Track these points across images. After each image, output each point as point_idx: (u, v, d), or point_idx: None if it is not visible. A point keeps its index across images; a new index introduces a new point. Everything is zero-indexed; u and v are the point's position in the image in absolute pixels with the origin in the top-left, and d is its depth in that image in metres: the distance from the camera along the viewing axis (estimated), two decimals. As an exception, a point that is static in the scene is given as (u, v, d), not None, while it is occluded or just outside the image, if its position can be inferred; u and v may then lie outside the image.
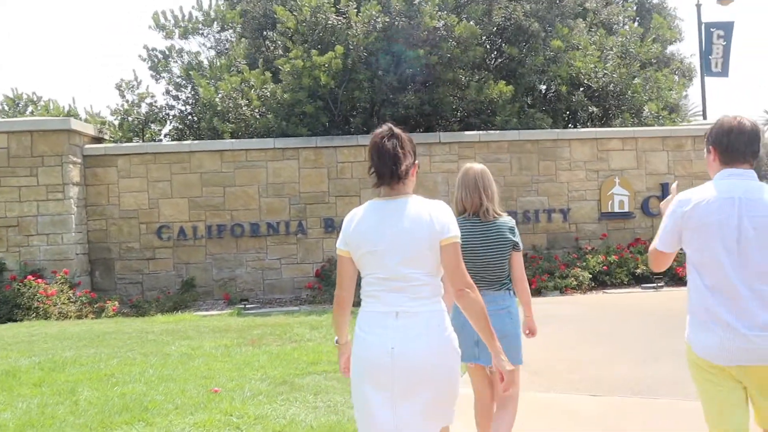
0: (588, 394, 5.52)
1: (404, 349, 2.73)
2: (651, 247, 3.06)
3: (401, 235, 2.81)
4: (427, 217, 2.82)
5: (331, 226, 11.73)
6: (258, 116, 12.24)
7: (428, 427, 2.79)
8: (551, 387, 5.76)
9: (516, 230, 3.89)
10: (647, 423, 4.92)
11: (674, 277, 11.01)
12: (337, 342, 3.16)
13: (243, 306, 10.87)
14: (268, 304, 11.24)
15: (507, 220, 3.89)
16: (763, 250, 2.72)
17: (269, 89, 12.15)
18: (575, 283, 10.73)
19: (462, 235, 2.93)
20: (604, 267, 11.03)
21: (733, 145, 2.84)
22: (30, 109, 15.44)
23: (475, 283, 2.87)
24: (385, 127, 2.96)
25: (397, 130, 2.93)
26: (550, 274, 10.94)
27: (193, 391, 5.85)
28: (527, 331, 4.02)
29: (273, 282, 11.66)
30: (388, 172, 2.88)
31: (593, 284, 11.00)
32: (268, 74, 12.32)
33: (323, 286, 11.17)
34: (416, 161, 2.99)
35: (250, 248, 11.65)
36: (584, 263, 11.06)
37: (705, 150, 2.98)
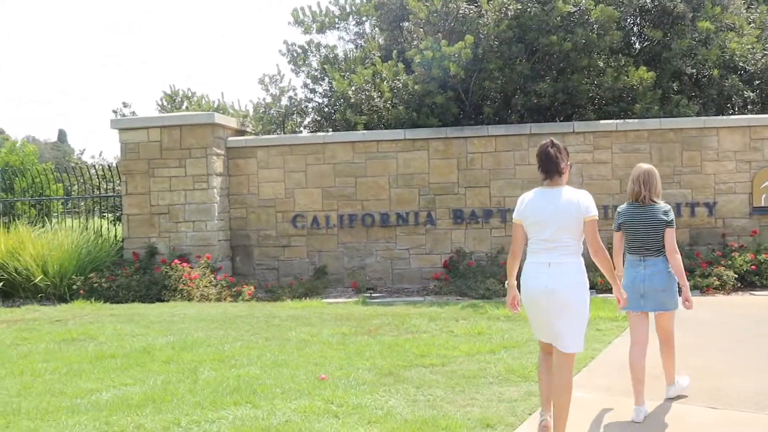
0: (706, 406, 5.15)
1: (554, 286, 4.23)
2: None
3: (558, 212, 4.26)
4: (576, 200, 4.28)
5: (460, 217, 11.68)
6: (389, 108, 12.37)
7: (572, 337, 4.30)
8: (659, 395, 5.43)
9: (670, 212, 5.15)
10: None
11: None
12: (507, 284, 4.57)
13: (369, 294, 11.09)
14: (396, 293, 11.39)
15: (662, 205, 5.20)
16: None
17: (401, 81, 12.24)
18: (717, 282, 9.98)
19: (628, 216, 5.22)
20: (753, 266, 10.18)
21: None
22: (185, 104, 16.51)
23: (639, 250, 5.15)
24: (548, 140, 4.37)
25: (557, 142, 4.36)
26: (690, 272, 10.22)
27: (302, 377, 6.07)
28: (686, 302, 5.18)
29: (401, 271, 11.79)
30: (551, 170, 4.33)
31: (739, 285, 10.18)
32: (400, 65, 12.41)
33: (450, 277, 11.16)
34: (569, 163, 4.41)
35: (379, 238, 11.85)
36: (729, 262, 10.27)
37: None
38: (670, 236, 5.10)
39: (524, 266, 4.43)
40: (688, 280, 8.10)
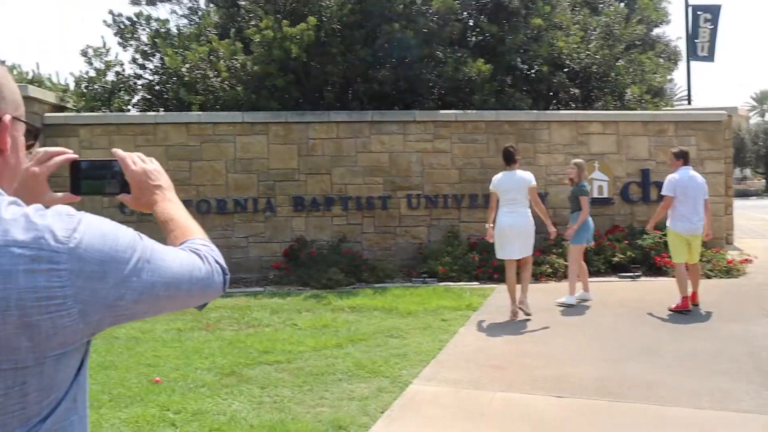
0: (551, 395, 5.20)
1: (514, 223, 7.60)
2: None
3: (515, 184, 7.63)
4: (525, 176, 7.70)
5: (301, 205, 11.32)
6: (227, 88, 11.74)
7: (526, 252, 7.80)
8: (514, 385, 5.44)
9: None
10: (615, 430, 4.61)
11: (652, 266, 10.75)
12: (487, 225, 7.91)
13: (205, 286, 10.45)
14: (234, 284, 10.78)
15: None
16: None
17: (239, 60, 11.64)
18: (550, 270, 10.41)
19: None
20: (581, 254, 10.71)
21: None
22: (-8, 74, 14.80)
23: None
24: (509, 145, 8.06)
25: (513, 146, 8.03)
26: (525, 261, 10.64)
27: (133, 380, 5.49)
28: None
29: (239, 261, 11.24)
30: (510, 160, 7.75)
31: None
32: (238, 45, 11.80)
33: (291, 267, 10.77)
34: (518, 158, 7.92)
35: (216, 225, 11.21)
36: (560, 250, 10.74)
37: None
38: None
39: (498, 214, 7.72)
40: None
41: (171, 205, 1.50)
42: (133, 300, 1.15)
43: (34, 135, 1.31)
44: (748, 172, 53.53)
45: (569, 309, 8.31)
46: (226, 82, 11.79)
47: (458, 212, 11.60)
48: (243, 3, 13.26)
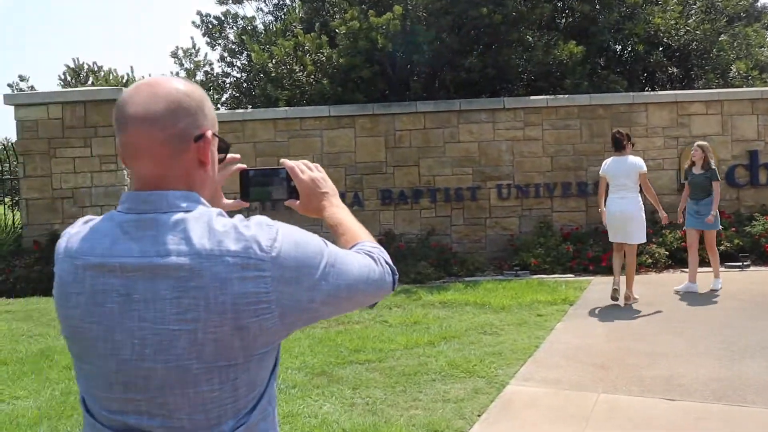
0: (661, 397, 4.84)
1: (624, 209, 7.63)
2: None
3: (625, 168, 7.67)
4: (635, 161, 7.70)
5: (389, 198, 11.18)
6: (313, 82, 11.72)
7: (637, 238, 7.79)
8: (619, 386, 5.10)
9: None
10: (732, 437, 4.23)
11: (762, 255, 10.04)
12: (600, 210, 8.03)
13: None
14: (323, 278, 10.81)
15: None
16: None
17: (325, 54, 11.60)
18: (650, 261, 9.88)
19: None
20: (683, 243, 10.08)
21: None
22: (90, 79, 15.37)
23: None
24: (616, 130, 7.97)
25: (621, 131, 7.91)
26: (620, 250, 10.16)
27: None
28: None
29: (328, 255, 11.21)
30: (618, 145, 7.76)
31: (670, 262, 10.11)
32: (324, 38, 11.77)
33: (380, 261, 10.65)
34: (632, 141, 8.03)
35: (304, 223, 11.21)
36: (660, 239, 10.17)
37: None
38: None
39: (608, 199, 7.83)
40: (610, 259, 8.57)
41: (338, 210, 1.58)
42: (321, 302, 1.27)
43: (224, 149, 1.42)
44: None
45: (674, 303, 7.82)
46: (312, 76, 11.77)
47: (550, 202, 11.18)
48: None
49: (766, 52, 14.12)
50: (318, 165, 1.62)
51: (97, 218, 1.30)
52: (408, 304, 8.14)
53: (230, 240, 1.19)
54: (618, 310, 7.54)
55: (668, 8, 12.64)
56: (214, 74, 13.62)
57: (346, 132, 11.24)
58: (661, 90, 12.73)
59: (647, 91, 12.67)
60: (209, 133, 1.31)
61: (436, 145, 11.19)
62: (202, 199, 1.29)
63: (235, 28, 13.60)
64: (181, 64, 13.65)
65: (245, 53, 13.33)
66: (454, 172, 11.15)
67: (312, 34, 11.88)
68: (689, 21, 12.67)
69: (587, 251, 10.18)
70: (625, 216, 7.66)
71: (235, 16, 13.61)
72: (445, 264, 10.17)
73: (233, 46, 13.50)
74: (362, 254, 1.41)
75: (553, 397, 4.94)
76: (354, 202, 11.14)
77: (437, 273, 9.93)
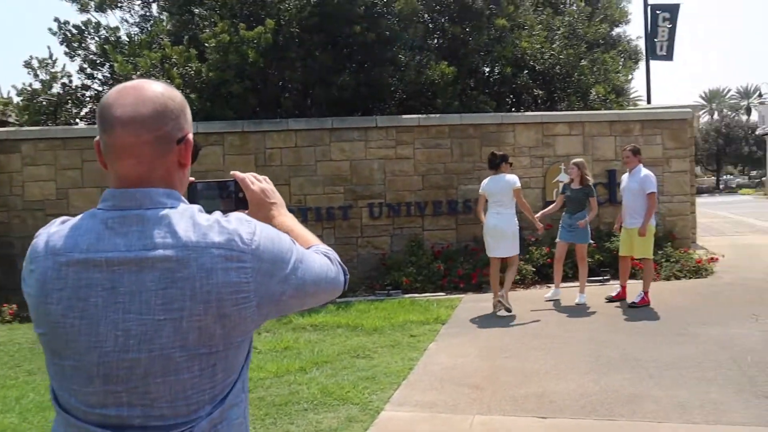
0: (534, 416, 4.85)
1: (498, 224, 8.12)
2: None
3: (501, 186, 8.13)
4: (510, 179, 8.13)
5: (260, 217, 10.85)
6: (180, 97, 11.21)
7: (511, 251, 8.27)
8: (493, 407, 5.07)
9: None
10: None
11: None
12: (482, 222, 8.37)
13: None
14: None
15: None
16: None
17: (194, 67, 11.14)
18: (518, 277, 10.10)
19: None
20: (548, 260, 10.41)
21: None
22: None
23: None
24: (493, 150, 8.77)
25: (497, 151, 8.56)
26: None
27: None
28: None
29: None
30: (492, 164, 8.26)
31: (537, 278, 10.40)
32: (193, 51, 11.29)
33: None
34: (510, 162, 8.48)
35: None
36: (527, 256, 10.45)
37: None
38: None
39: (487, 215, 8.27)
40: (488, 276, 8.76)
41: (287, 219, 1.63)
42: (290, 295, 1.36)
43: (195, 153, 1.44)
44: (698, 170, 54.66)
45: (542, 318, 7.99)
46: (180, 90, 11.25)
47: (422, 220, 11.24)
48: (197, 10, 12.76)
49: (622, 77, 14.98)
50: (266, 177, 1.68)
51: (75, 218, 1.34)
52: (278, 328, 7.85)
53: (214, 233, 1.27)
54: (489, 327, 7.61)
55: (534, 33, 13.12)
56: (73, 87, 12.79)
57: (214, 149, 10.83)
58: (527, 111, 13.17)
59: (515, 111, 13.07)
60: (190, 136, 1.39)
61: (307, 163, 11.00)
62: (182, 197, 1.36)
63: (96, 38, 12.83)
64: (36, 75, 12.72)
65: (108, 65, 12.61)
66: (326, 190, 11.00)
67: (180, 46, 11.39)
68: (553, 46, 13.20)
69: (458, 269, 10.29)
70: (498, 231, 8.16)
71: (98, 25, 12.84)
72: (318, 284, 9.94)
73: (94, 57, 12.73)
74: (320, 255, 1.50)
75: (428, 422, 4.84)
76: (224, 221, 10.71)
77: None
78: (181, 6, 12.94)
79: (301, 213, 10.88)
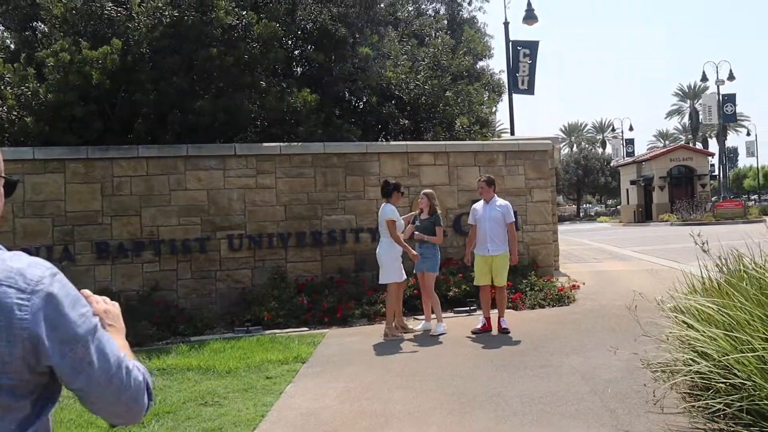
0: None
1: (378, 252, 8.65)
2: None
3: (380, 215, 8.56)
4: (384, 210, 8.51)
5: (106, 251, 9.95)
6: (14, 119, 10.19)
7: (384, 278, 8.58)
8: (347, 458, 4.61)
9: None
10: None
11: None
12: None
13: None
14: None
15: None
16: None
17: (31, 87, 10.16)
18: (384, 309, 9.78)
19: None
20: (415, 291, 10.17)
21: None
22: None
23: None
24: (385, 179, 8.96)
25: (389, 180, 8.78)
26: (357, 300, 9.96)
27: None
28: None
29: (32, 319, 9.65)
30: (383, 193, 8.68)
31: (404, 310, 10.11)
32: (30, 70, 10.32)
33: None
34: (401, 191, 8.92)
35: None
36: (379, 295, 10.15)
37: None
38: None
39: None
40: (356, 309, 8.83)
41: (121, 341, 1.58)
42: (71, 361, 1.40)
43: (9, 191, 1.54)
44: (560, 198, 57.61)
45: (407, 353, 7.66)
46: (15, 112, 10.25)
47: (285, 252, 10.73)
48: (40, 26, 11.76)
49: (486, 109, 15.22)
50: (116, 303, 1.69)
51: None
52: (120, 374, 7.05)
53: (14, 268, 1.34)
54: (352, 365, 7.18)
55: (399, 63, 13.05)
56: None
57: (54, 177, 9.87)
58: (394, 141, 13.03)
59: (382, 141, 12.89)
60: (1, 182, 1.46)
61: (160, 193, 10.25)
62: None
63: None
64: None
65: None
66: (181, 222, 10.28)
67: (16, 64, 10.38)
68: (419, 76, 13.17)
69: (322, 302, 9.84)
70: (378, 258, 8.54)
71: None
72: (170, 322, 9.21)
73: None
74: (135, 368, 1.49)
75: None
76: (64, 256, 9.75)
77: (161, 333, 8.93)
78: (21, 21, 11.91)
79: (154, 246, 10.10)
